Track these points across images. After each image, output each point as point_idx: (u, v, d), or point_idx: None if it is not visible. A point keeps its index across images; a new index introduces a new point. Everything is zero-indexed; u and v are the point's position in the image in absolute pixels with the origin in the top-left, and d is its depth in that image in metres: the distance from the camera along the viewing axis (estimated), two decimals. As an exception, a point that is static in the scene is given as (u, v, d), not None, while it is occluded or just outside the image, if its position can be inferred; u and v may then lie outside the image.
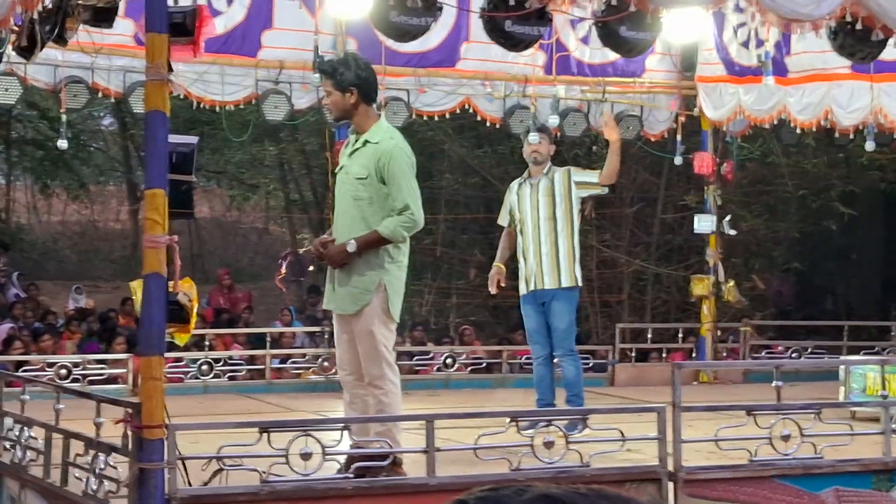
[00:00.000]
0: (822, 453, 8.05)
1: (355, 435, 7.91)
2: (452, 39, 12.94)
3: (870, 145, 14.22)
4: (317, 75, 10.07)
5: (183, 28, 6.90)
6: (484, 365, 14.60)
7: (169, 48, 6.77)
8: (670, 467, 7.67)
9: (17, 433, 8.39)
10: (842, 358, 12.68)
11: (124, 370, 12.41)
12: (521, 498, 1.07)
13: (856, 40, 8.53)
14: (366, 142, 8.24)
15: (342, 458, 7.57)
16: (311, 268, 8.44)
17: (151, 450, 6.58)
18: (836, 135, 14.35)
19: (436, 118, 14.61)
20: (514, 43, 8.94)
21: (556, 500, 1.06)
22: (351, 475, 7.37)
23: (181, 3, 7.32)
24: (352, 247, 8.03)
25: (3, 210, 30.22)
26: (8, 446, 8.43)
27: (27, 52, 8.95)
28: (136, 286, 6.88)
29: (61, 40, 8.63)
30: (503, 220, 10.98)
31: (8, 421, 8.54)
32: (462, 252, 22.16)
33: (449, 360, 14.27)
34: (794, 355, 15.09)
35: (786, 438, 7.98)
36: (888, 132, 13.56)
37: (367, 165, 8.13)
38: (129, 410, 6.72)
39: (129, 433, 6.69)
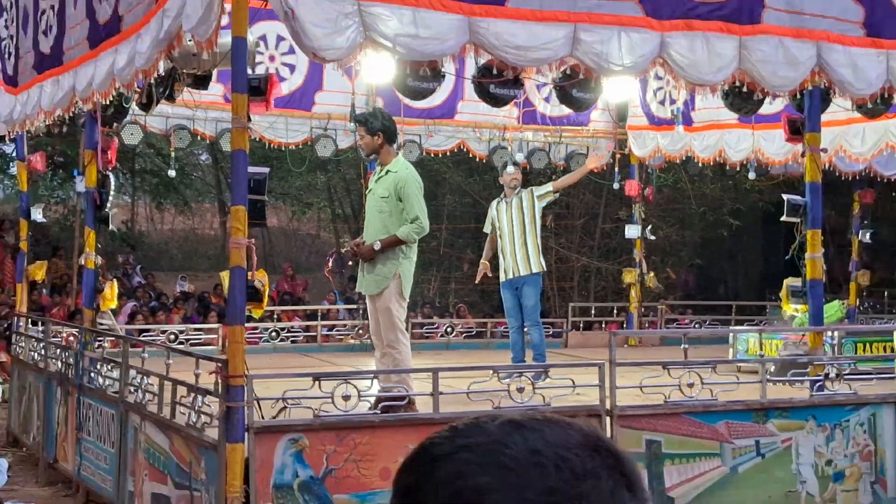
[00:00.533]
0: (716, 396, 8.03)
1: (381, 382, 7.93)
2: (452, 99, 12.95)
3: (751, 175, 14.18)
4: (352, 124, 10.10)
5: (258, 90, 6.90)
6: (474, 332, 14.59)
7: (248, 105, 6.76)
8: (608, 406, 7.67)
9: (139, 381, 8.40)
10: (730, 328, 12.65)
11: (216, 336, 12.46)
12: (494, 423, 1.06)
13: (742, 100, 8.50)
14: (388, 171, 8.29)
15: (372, 400, 7.57)
16: (349, 262, 8.43)
17: (235, 393, 6.58)
18: (727, 168, 14.31)
19: (440, 155, 14.65)
20: (496, 101, 8.91)
21: (519, 424, 1.06)
22: (378, 412, 7.38)
23: (257, 72, 7.31)
24: (377, 246, 8.12)
25: (129, 221, 30.30)
26: (132, 390, 8.43)
27: (146, 107, 8.97)
28: (225, 275, 6.87)
29: (171, 99, 8.65)
30: (487, 228, 11.03)
31: (132, 372, 8.53)
32: (459, 251, 22.18)
33: (449, 329, 14.32)
34: (696, 326, 15.17)
35: (691, 386, 7.96)
36: (765, 166, 13.53)
37: (389, 188, 8.20)
38: (220, 364, 6.71)
39: (219, 381, 6.68)
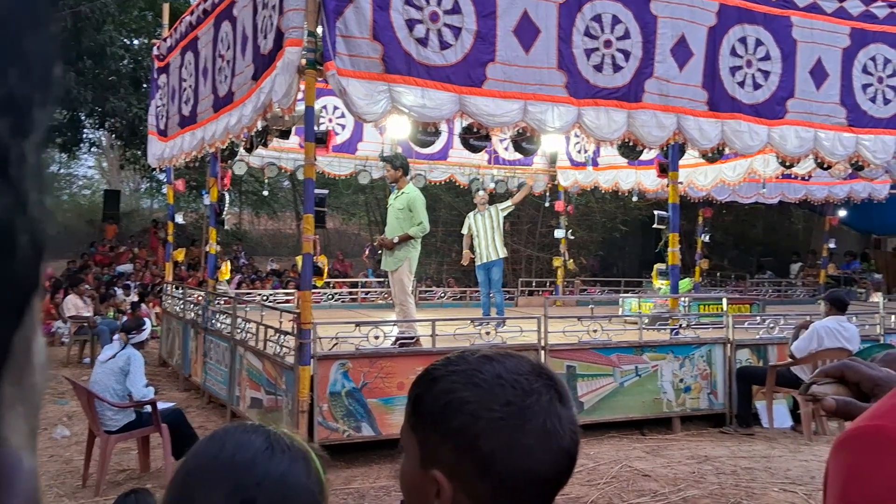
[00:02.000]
0: (611, 338, 8.05)
1: (399, 328, 7.91)
2: (446, 147, 12.91)
3: (635, 198, 14.20)
4: (381, 163, 10.08)
5: (321, 140, 6.89)
6: (459, 297, 14.56)
7: (314, 150, 6.74)
8: (543, 343, 7.67)
9: (243, 326, 8.38)
10: (620, 295, 12.67)
11: (293, 297, 12.41)
12: (473, 356, 1.06)
13: (629, 150, 8.50)
14: (403, 192, 8.28)
15: (392, 339, 7.56)
16: (378, 251, 8.41)
17: (305, 333, 6.57)
18: (620, 193, 14.32)
19: (437, 183, 14.61)
20: (474, 149, 8.91)
21: (490, 357, 1.05)
22: (396, 346, 7.37)
23: (321, 128, 7.29)
24: (395, 239, 8.11)
25: (237, 224, 30.22)
26: (239, 332, 8.41)
27: (249, 150, 8.92)
28: (299, 259, 6.86)
29: (265, 145, 8.60)
30: (464, 231, 10.99)
31: (239, 320, 8.52)
32: (449, 245, 22.12)
33: (442, 294, 14.29)
34: (599, 293, 15.15)
35: (595, 331, 7.98)
36: (643, 192, 13.54)
37: (403, 203, 8.18)
38: (295, 315, 6.71)
39: (295, 326, 6.67)
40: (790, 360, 7.64)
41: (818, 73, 8.67)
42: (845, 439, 0.76)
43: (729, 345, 8.42)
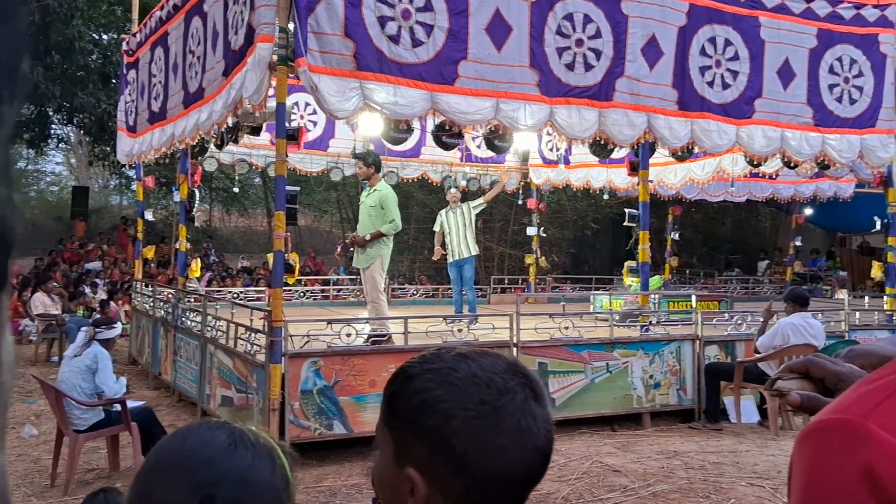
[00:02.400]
0: (582, 335, 8.09)
1: (371, 325, 7.89)
2: (419, 144, 12.89)
3: (606, 196, 14.30)
4: (353, 160, 10.05)
5: (293, 137, 6.84)
6: (431, 294, 14.56)
7: (286, 146, 6.70)
8: (515, 340, 7.70)
9: (213, 323, 8.31)
10: (591, 292, 12.74)
11: (264, 295, 12.32)
12: (449, 354, 1.05)
13: (601, 148, 8.53)
14: (375, 190, 8.26)
15: (364, 336, 7.54)
16: (350, 248, 8.41)
17: (276, 331, 6.53)
18: (591, 191, 14.40)
19: (410, 181, 14.57)
20: (446, 147, 8.88)
21: (465, 355, 1.05)
22: (368, 344, 7.36)
23: (292, 125, 7.24)
24: (367, 237, 8.10)
25: (208, 220, 29.94)
26: (209, 329, 8.34)
27: (219, 146, 8.83)
28: (270, 256, 6.82)
29: (235, 141, 8.52)
30: (436, 228, 10.98)
31: (209, 318, 8.45)
32: (422, 243, 22.05)
33: (415, 291, 14.28)
34: (570, 290, 15.22)
35: (566, 328, 8.02)
36: (614, 190, 13.62)
37: (375, 201, 8.17)
38: (266, 313, 6.66)
39: (266, 323, 6.63)
40: (756, 355, 7.74)
41: (785, 74, 8.79)
42: (808, 433, 0.77)
43: (698, 341, 8.51)
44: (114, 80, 18.69)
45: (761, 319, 8.20)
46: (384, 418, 1.06)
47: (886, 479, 0.69)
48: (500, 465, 0.99)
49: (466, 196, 11.90)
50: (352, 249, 8.50)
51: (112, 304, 14.23)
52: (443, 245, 10.92)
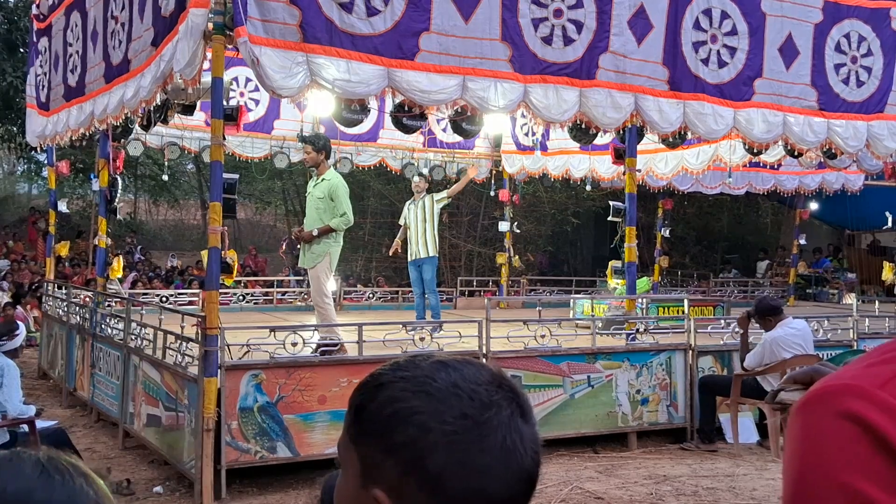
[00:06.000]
0: (560, 344, 8.14)
1: (320, 333, 7.86)
2: (375, 127, 12.88)
3: (588, 187, 14.42)
4: (300, 144, 10.02)
5: (231, 117, 6.81)
6: (389, 298, 14.56)
7: (223, 128, 6.65)
8: (484, 351, 7.73)
9: (138, 331, 8.23)
10: (571, 296, 12.82)
11: (197, 298, 12.22)
12: (427, 361, 1.05)
13: (581, 133, 8.59)
14: (323, 179, 8.24)
15: (313, 346, 7.51)
16: (298, 246, 8.41)
17: (211, 340, 6.48)
18: (571, 181, 14.51)
19: (366, 168, 14.56)
20: (407, 130, 8.89)
21: (445, 363, 1.05)
22: (317, 355, 7.33)
23: (230, 104, 7.19)
24: (315, 232, 8.08)
25: (132, 212, 29.67)
26: (133, 338, 8.26)
27: (146, 127, 8.75)
28: (204, 253, 6.77)
29: (165, 122, 8.45)
30: (401, 221, 10.99)
31: (133, 325, 8.36)
32: (379, 239, 22.07)
33: (371, 295, 14.29)
34: (548, 294, 15.30)
35: (543, 337, 8.07)
36: (597, 181, 13.73)
37: (324, 191, 8.14)
38: (199, 319, 6.61)
39: (199, 331, 6.58)
40: (746, 372, 7.80)
41: (788, 51, 8.92)
42: (808, 401, 0.78)
43: (690, 351, 8.62)
44: (22, 50, 18.37)
45: (737, 331, 8.26)
46: (349, 432, 1.06)
47: None
48: (481, 487, 0.99)
49: (431, 187, 11.91)
50: (298, 247, 8.47)
51: (19, 308, 14.00)
52: (404, 241, 10.92)
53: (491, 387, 1.04)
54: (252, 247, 23.99)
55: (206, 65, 6.51)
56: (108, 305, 9.94)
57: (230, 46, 6.53)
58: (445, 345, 7.78)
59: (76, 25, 9.49)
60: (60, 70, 10.07)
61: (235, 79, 11.51)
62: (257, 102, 12.25)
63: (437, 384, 1.02)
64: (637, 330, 8.75)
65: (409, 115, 8.07)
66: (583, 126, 8.15)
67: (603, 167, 12.81)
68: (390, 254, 11.55)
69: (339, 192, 8.13)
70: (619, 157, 9.27)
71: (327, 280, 8.20)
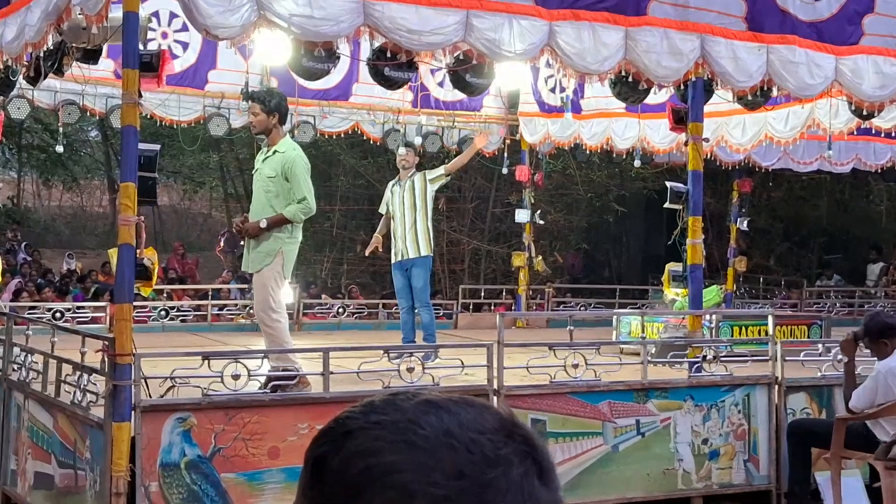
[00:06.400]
0: (600, 377, 8.13)
1: (272, 362, 7.86)
2: (347, 80, 12.87)
3: (637, 163, 14.40)
4: (245, 103, 10.03)
5: (150, 66, 6.79)
6: (366, 313, 14.57)
7: (139, 81, 6.65)
8: (495, 386, 7.71)
9: (22, 359, 8.23)
10: (614, 311, 12.83)
11: (103, 314, 12.22)
12: (410, 402, 1.05)
13: (629, 89, 8.60)
14: (275, 151, 8.22)
15: (262, 379, 7.51)
16: (241, 242, 8.43)
17: (122, 371, 6.48)
18: (614, 155, 14.51)
19: (334, 137, 14.60)
20: (391, 84, 8.90)
21: (435, 404, 1.05)
22: (268, 391, 7.33)
23: (149, 48, 7.19)
24: (263, 223, 8.04)
25: (15, 197, 29.68)
26: (16, 368, 8.26)
27: (34, 80, 8.74)
28: (113, 253, 6.77)
29: (60, 73, 8.44)
30: (382, 209, 10.95)
31: (16, 350, 8.35)
32: (351, 233, 22.08)
33: (340, 310, 14.29)
34: (581, 308, 15.25)
35: (575, 366, 8.05)
36: (649, 154, 13.73)
37: (276, 168, 8.12)
38: (106, 343, 6.61)
39: (106, 359, 6.58)
40: (852, 415, 7.80)
41: (910, -23, 8.94)
42: None
43: (777, 387, 8.61)
44: None
45: (841, 360, 8.24)
46: (305, 495, 1.06)
47: None
48: None
49: (423, 163, 11.91)
50: (241, 243, 8.47)
51: None
52: (387, 235, 10.90)
53: (497, 436, 1.04)
54: (178, 243, 23.98)
55: (116, -5, 6.52)
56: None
57: (148, -30, 6.53)
58: (442, 377, 7.78)
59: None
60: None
61: (156, 14, 11.49)
62: (185, 47, 12.23)
63: (423, 432, 1.02)
64: (704, 357, 8.74)
65: (392, 65, 8.06)
66: (629, 79, 8.15)
67: (657, 135, 12.80)
68: (366, 253, 11.53)
69: (296, 168, 8.10)
70: (678, 121, 9.26)
71: (279, 288, 8.15)
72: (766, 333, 9.23)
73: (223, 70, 12.48)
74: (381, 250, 11.02)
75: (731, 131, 12.66)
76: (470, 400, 1.08)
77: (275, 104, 8.21)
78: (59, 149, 14.65)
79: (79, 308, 13.31)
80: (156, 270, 7.22)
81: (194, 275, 21.27)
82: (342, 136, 14.38)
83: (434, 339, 10.26)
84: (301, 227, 8.29)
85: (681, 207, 9.37)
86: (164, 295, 14.04)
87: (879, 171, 15.49)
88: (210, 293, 14.85)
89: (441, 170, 10.90)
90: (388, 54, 7.69)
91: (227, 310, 14.13)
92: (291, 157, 8.14)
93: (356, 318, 14.26)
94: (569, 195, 21.51)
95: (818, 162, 14.69)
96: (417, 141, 12.81)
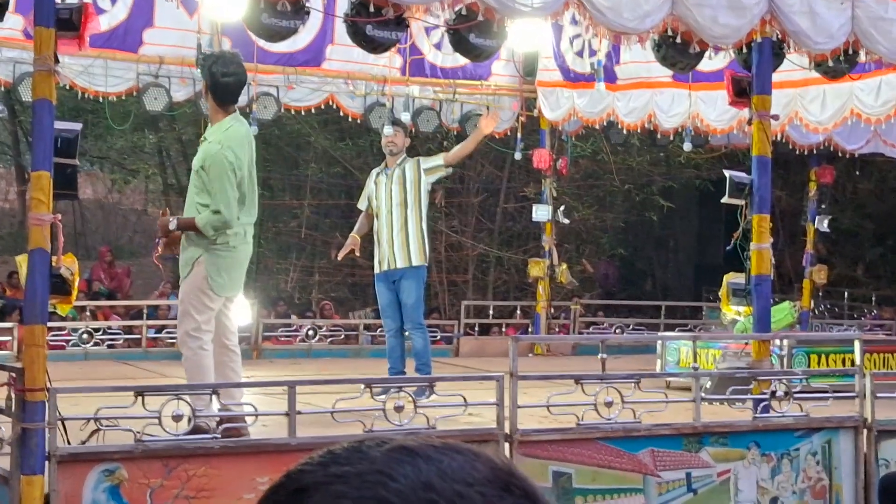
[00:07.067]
0: (640, 418, 8.14)
1: (223, 399, 7.86)
2: (319, 41, 12.88)
3: (687, 146, 14.41)
4: (198, 70, 10.02)
5: (69, 24, 6.81)
6: (343, 336, 14.57)
7: (56, 42, 6.67)
8: (507, 430, 7.72)
9: None
10: (659, 334, 12.85)
11: (10, 338, 12.20)
12: (381, 449, 1.06)
13: (676, 52, 8.62)
14: (205, 138, 8.25)
15: (211, 420, 7.51)
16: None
17: (33, 411, 6.49)
18: (658, 136, 14.52)
19: (303, 112, 14.60)
20: (374, 46, 8.91)
21: (411, 451, 1.05)
22: (218, 436, 7.33)
23: (68, 1, 7.20)
24: (172, 224, 8.07)
25: None
26: None
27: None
28: (22, 260, 6.79)
29: (-46, 33, 8.48)
30: (362, 204, 10.95)
31: None
32: (324, 234, 22.04)
33: (311, 332, 14.27)
34: (617, 331, 15.22)
35: (609, 405, 8.07)
36: (703, 135, 13.74)
37: (199, 160, 8.13)
38: (13, 375, 6.62)
39: (13, 395, 6.59)
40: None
41: None
42: None
43: (866, 431, 8.63)
44: None
45: None
46: None
47: None
48: None
49: (415, 146, 11.90)
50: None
51: None
52: (368, 236, 10.91)
53: (490, 489, 1.05)
54: (105, 248, 23.92)
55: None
56: None
57: None
58: (439, 419, 7.79)
59: None
60: None
61: (77, -41, 11.55)
62: (114, 0, 12.26)
63: (396, 485, 1.03)
64: (773, 394, 8.76)
65: (377, 22, 8.09)
66: (677, 40, 8.17)
67: (713, 112, 12.82)
68: (339, 257, 11.51)
69: (213, 169, 7.88)
70: (740, 93, 9.28)
71: (200, 304, 8.04)
72: (853, 363, 9.25)
73: (162, 28, 12.49)
74: (357, 254, 10.97)
75: (808, 106, 12.67)
76: (455, 445, 1.09)
77: (225, 73, 8.14)
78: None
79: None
80: (76, 283, 7.24)
81: (125, 288, 21.26)
82: (312, 111, 14.37)
83: (429, 369, 10.27)
84: (234, 233, 8.11)
85: (743, 203, 9.38)
86: (87, 313, 14.04)
87: None
88: (145, 311, 14.80)
89: (440, 159, 10.86)
90: (371, 8, 7.70)
91: (167, 332, 14.08)
92: (212, 154, 7.98)
93: (330, 342, 14.27)
94: (600, 187, 21.51)
95: (918, 145, 14.71)
96: (408, 118, 12.82)
